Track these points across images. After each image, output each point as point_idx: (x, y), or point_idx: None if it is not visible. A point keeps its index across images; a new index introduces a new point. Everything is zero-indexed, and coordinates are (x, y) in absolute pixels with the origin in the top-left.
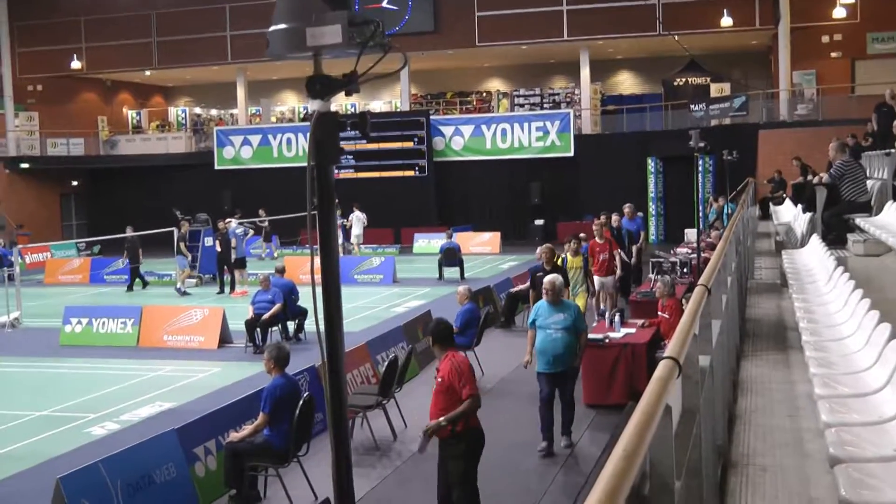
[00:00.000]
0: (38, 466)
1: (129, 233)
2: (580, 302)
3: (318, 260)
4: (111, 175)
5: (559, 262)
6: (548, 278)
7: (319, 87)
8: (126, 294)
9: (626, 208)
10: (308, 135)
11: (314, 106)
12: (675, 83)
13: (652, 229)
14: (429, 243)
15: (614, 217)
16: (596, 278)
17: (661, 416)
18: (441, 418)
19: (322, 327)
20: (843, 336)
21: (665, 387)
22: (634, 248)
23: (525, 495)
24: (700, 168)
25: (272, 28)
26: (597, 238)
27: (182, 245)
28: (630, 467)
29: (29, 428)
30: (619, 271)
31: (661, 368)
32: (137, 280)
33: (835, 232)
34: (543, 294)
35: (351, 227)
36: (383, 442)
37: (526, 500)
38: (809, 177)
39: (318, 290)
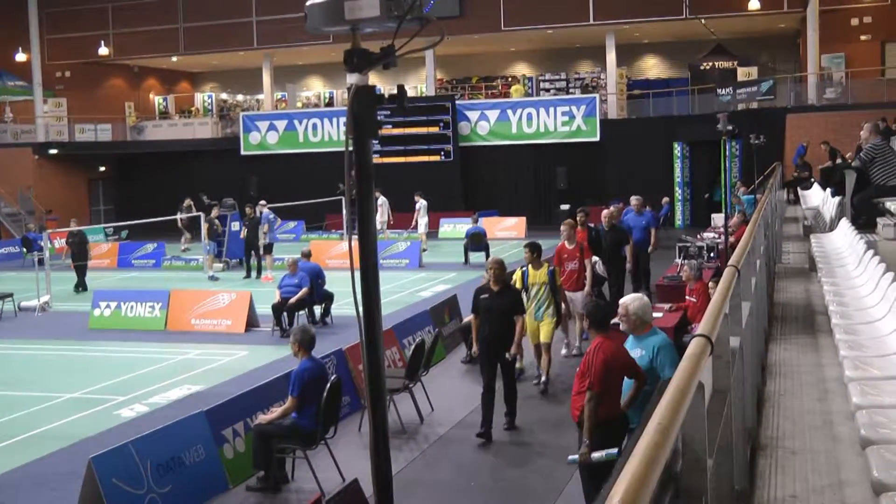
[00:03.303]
0: (70, 447)
1: (73, 226)
2: (546, 330)
3: (340, 238)
4: (138, 161)
5: (518, 276)
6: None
7: (357, 60)
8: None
9: (634, 201)
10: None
11: (352, 80)
12: (702, 67)
13: (678, 214)
14: (454, 228)
15: (606, 212)
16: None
17: (694, 394)
18: (584, 445)
19: (360, 306)
20: (874, 319)
21: (698, 364)
22: (628, 249)
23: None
24: (727, 152)
25: (310, 2)
26: (565, 242)
27: (206, 230)
28: (665, 441)
29: (60, 409)
30: (587, 287)
31: (694, 346)
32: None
33: (864, 216)
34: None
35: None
36: (410, 425)
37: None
38: (838, 160)
39: (355, 271)
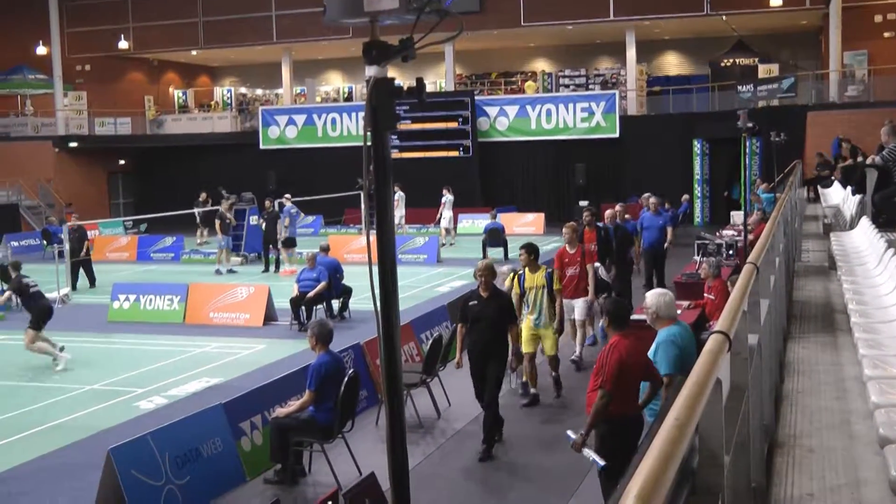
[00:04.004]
0: (89, 438)
1: (74, 221)
2: (549, 343)
3: (359, 233)
4: (157, 154)
5: (512, 281)
6: None
7: (375, 53)
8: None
9: (653, 199)
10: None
11: (370, 72)
12: (722, 64)
13: (697, 211)
14: (473, 223)
15: (609, 211)
16: (564, 301)
17: (712, 390)
18: (580, 434)
19: (378, 299)
20: (894, 318)
21: (716, 360)
22: (634, 251)
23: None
24: (747, 150)
25: None
26: (566, 246)
27: (218, 224)
28: (682, 436)
29: (79, 401)
30: (590, 293)
31: (712, 342)
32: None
33: (885, 214)
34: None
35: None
36: (427, 420)
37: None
38: (859, 158)
39: (373, 264)
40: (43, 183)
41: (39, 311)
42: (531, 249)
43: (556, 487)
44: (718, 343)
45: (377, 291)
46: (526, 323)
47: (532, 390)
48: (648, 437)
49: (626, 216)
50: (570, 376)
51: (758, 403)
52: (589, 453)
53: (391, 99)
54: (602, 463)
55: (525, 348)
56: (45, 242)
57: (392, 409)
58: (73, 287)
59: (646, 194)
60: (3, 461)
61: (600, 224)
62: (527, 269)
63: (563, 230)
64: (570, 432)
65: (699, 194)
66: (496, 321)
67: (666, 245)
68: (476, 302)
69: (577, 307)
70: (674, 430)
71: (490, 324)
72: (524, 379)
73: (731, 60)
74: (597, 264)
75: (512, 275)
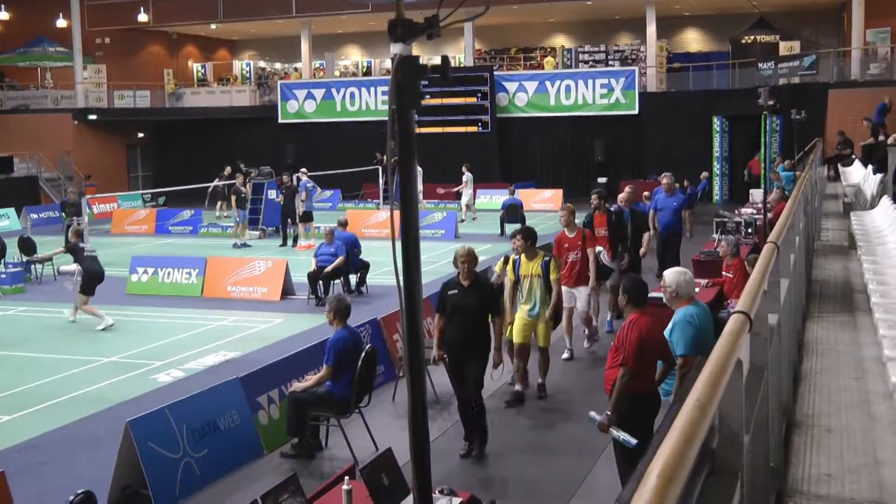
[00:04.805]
0: (108, 410)
1: (72, 196)
2: (543, 333)
3: (376, 208)
4: (176, 127)
5: (508, 268)
6: None
7: (401, 30)
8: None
9: (665, 179)
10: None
11: (395, 50)
12: (743, 41)
13: (716, 189)
14: (491, 199)
15: (622, 195)
16: (563, 290)
17: (732, 370)
18: (606, 415)
19: (401, 276)
20: None
21: (737, 340)
22: (646, 236)
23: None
24: (767, 128)
25: None
26: (565, 230)
27: (234, 199)
28: (703, 417)
29: (98, 373)
30: (591, 281)
31: (733, 322)
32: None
33: None
34: None
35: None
36: (444, 395)
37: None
38: (881, 137)
39: (395, 240)
40: (62, 155)
41: (91, 275)
42: (528, 234)
43: (573, 464)
44: (739, 323)
45: (399, 267)
46: (520, 312)
47: (517, 387)
48: (669, 417)
49: (645, 195)
50: (565, 372)
51: (777, 383)
52: (618, 433)
53: (416, 77)
54: (634, 441)
55: (517, 338)
56: (63, 215)
57: (414, 385)
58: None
59: (665, 174)
60: (24, 431)
61: (611, 208)
62: (523, 255)
63: (560, 212)
64: (593, 413)
65: (718, 172)
66: (477, 313)
67: (688, 233)
68: (455, 291)
69: (580, 297)
70: (695, 411)
71: (470, 316)
72: (517, 387)
73: (752, 37)
74: (598, 248)
75: (502, 260)
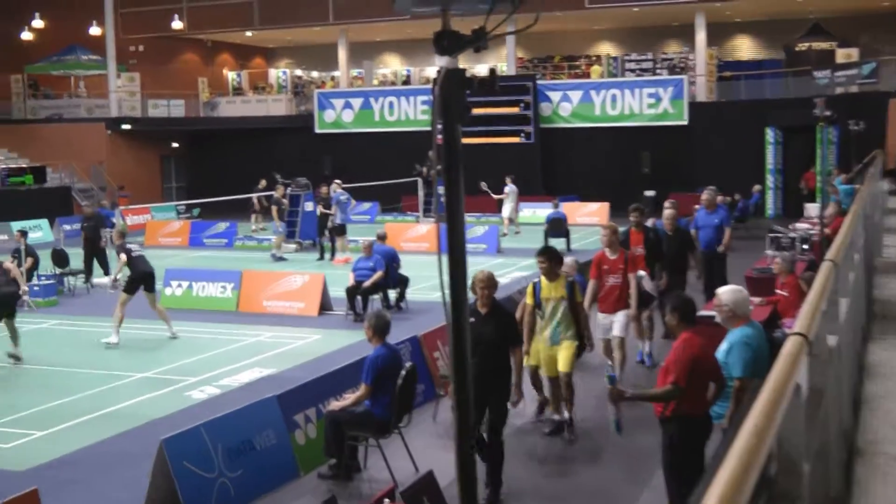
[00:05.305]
0: (141, 427)
1: (88, 209)
2: (566, 357)
3: (416, 221)
4: (211, 137)
5: (528, 291)
6: None
7: (447, 43)
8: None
9: (705, 194)
10: (435, 92)
11: (441, 62)
12: (798, 49)
13: (769, 203)
14: (534, 213)
15: (668, 212)
16: (599, 317)
17: (790, 395)
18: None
19: (447, 290)
20: None
21: (795, 363)
22: (694, 256)
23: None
24: (823, 139)
25: None
26: (605, 251)
27: (275, 210)
28: (761, 444)
29: (131, 389)
30: (633, 308)
31: (791, 344)
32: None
33: None
34: None
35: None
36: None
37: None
38: None
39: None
40: (95, 166)
41: (134, 276)
42: (552, 255)
43: (616, 495)
44: (797, 345)
45: (446, 281)
46: (540, 343)
47: (556, 416)
48: (725, 443)
49: (696, 207)
50: (599, 405)
51: (837, 408)
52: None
53: (462, 90)
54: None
55: (545, 371)
56: (83, 230)
57: (461, 405)
58: (87, 278)
59: (708, 188)
60: (56, 448)
61: (648, 225)
62: (543, 277)
63: (601, 232)
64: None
65: (771, 185)
66: (497, 343)
67: (721, 248)
68: (473, 319)
69: (617, 322)
70: (753, 437)
71: (490, 346)
72: (553, 414)
73: (807, 44)
74: (641, 273)
75: (529, 285)
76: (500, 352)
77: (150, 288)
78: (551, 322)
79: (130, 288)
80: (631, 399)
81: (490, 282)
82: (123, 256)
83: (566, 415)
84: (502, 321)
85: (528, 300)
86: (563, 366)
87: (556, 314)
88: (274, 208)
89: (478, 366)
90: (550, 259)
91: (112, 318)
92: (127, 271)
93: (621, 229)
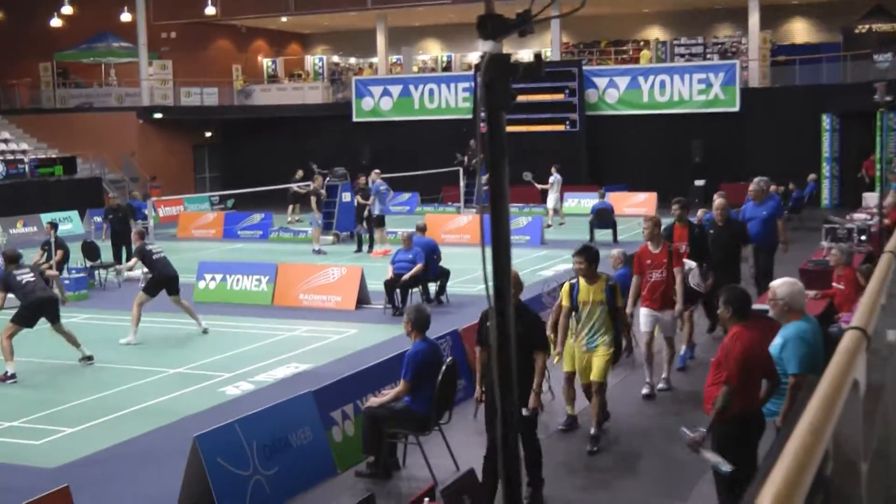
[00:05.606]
0: (174, 424)
1: (114, 200)
2: (600, 364)
3: (457, 212)
4: (245, 126)
5: (565, 292)
6: None
7: (491, 27)
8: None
9: (753, 185)
10: (479, 78)
11: (485, 47)
12: (857, 31)
13: (825, 192)
14: (579, 203)
15: (718, 202)
16: (643, 312)
17: (848, 391)
18: (700, 430)
19: (490, 282)
20: None
21: (853, 359)
22: (747, 251)
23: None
24: (884, 125)
25: None
26: (648, 244)
27: (314, 201)
28: (818, 442)
29: (164, 384)
30: (679, 304)
31: (848, 339)
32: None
33: None
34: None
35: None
36: None
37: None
38: None
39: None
40: (127, 156)
41: (157, 278)
42: (591, 255)
43: (662, 495)
44: (855, 340)
45: (489, 274)
46: (574, 344)
47: (569, 412)
48: (779, 441)
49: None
50: (639, 413)
51: None
52: (709, 456)
53: (507, 76)
54: (728, 468)
55: (566, 366)
56: (105, 223)
57: (504, 401)
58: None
59: (758, 178)
60: (87, 445)
61: (692, 220)
62: (582, 279)
63: (643, 224)
64: (685, 429)
65: (828, 174)
66: (521, 346)
67: (781, 248)
68: None
69: (665, 322)
70: (808, 435)
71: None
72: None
73: (867, 26)
74: (691, 264)
75: (566, 285)
76: (524, 355)
77: (174, 291)
78: (587, 326)
79: (151, 290)
80: (709, 437)
81: (514, 280)
82: (134, 260)
83: (591, 430)
84: (527, 322)
85: (565, 302)
86: (596, 374)
87: (593, 318)
88: (313, 199)
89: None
90: (589, 259)
91: (131, 321)
92: (141, 268)
93: (666, 222)
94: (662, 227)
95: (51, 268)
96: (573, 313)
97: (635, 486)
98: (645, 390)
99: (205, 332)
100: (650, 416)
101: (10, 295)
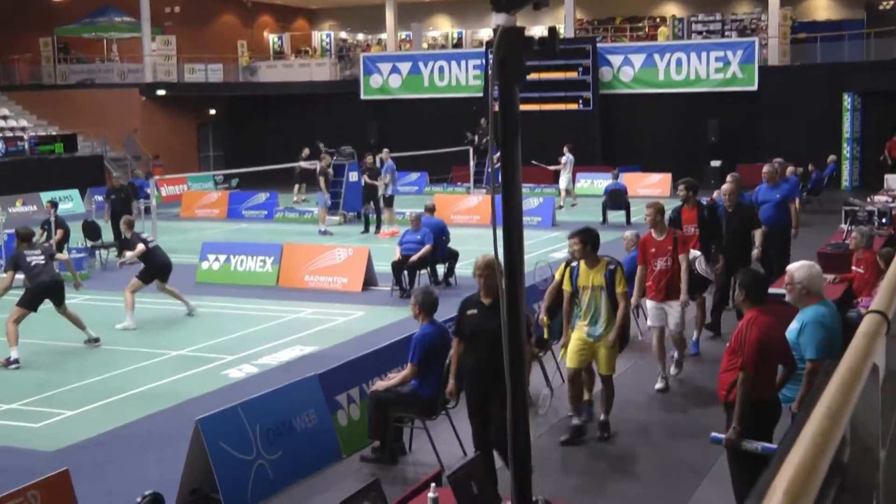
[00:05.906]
0: (176, 407)
1: (117, 181)
2: (603, 357)
3: (467, 192)
4: (250, 104)
5: (564, 275)
6: None
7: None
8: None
9: (767, 167)
10: (492, 52)
11: (498, 20)
12: (881, 7)
13: (845, 174)
14: (592, 184)
15: (727, 186)
16: (650, 305)
17: (867, 376)
18: (732, 429)
19: (502, 264)
20: None
21: (872, 343)
22: (757, 234)
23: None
24: None
25: None
26: (651, 232)
27: (322, 181)
28: (835, 427)
29: (166, 367)
30: (683, 293)
31: (868, 322)
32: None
33: None
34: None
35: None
36: (539, 398)
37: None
38: None
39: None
40: (129, 133)
41: (150, 266)
42: (588, 237)
43: (676, 479)
44: (875, 324)
45: (501, 255)
46: (577, 332)
47: (575, 420)
48: (795, 426)
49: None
50: (650, 405)
51: None
52: (752, 447)
53: (520, 50)
54: (772, 446)
55: (570, 363)
56: (107, 203)
57: (514, 384)
58: (119, 253)
59: (773, 160)
60: (88, 428)
61: (702, 201)
62: (582, 262)
63: (645, 211)
64: (714, 434)
65: (848, 155)
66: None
67: (793, 233)
68: (475, 311)
69: (672, 314)
70: (826, 420)
71: (494, 342)
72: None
73: (892, 2)
74: (696, 253)
75: (563, 266)
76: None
77: (165, 279)
78: (590, 314)
79: (145, 277)
80: (740, 429)
81: (490, 269)
82: (141, 247)
83: (601, 417)
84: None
85: (566, 286)
86: (604, 368)
87: (596, 305)
88: (321, 178)
89: (482, 364)
90: (584, 241)
91: (126, 307)
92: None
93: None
94: (670, 211)
95: (59, 251)
96: (574, 298)
97: (633, 489)
98: (659, 384)
99: (189, 314)
100: (655, 409)
101: (20, 275)
